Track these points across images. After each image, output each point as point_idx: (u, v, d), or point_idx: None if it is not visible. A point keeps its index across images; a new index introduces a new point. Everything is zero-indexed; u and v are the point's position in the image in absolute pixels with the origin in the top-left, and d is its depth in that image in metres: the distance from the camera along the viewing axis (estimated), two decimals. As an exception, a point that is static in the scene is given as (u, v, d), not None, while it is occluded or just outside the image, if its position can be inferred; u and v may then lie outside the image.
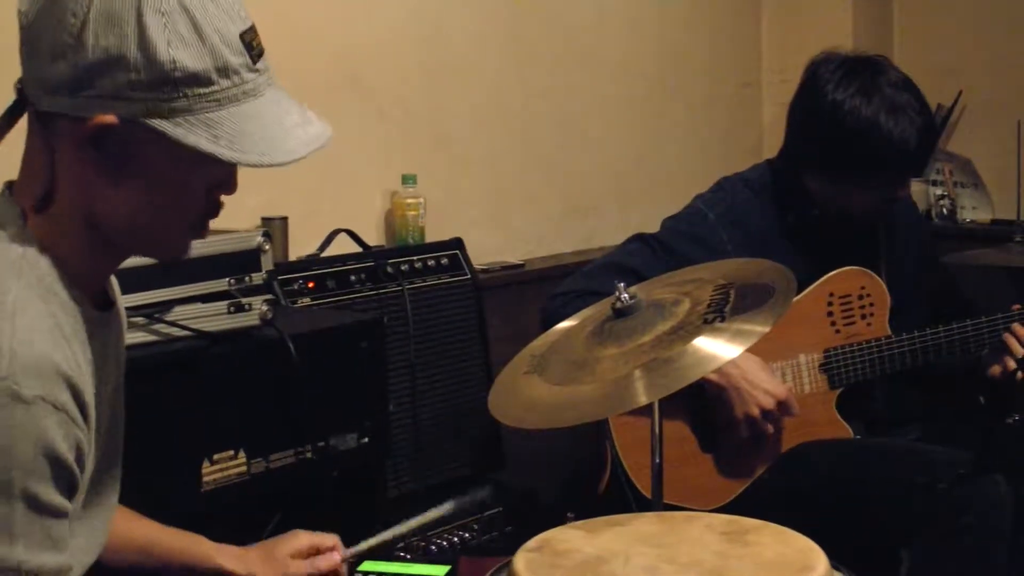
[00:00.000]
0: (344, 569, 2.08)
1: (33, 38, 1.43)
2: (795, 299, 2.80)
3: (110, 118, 1.40)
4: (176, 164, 1.44)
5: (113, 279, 1.66)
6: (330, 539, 2.07)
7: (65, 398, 1.38)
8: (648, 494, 2.38)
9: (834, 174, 2.86)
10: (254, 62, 1.45)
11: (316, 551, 2.05)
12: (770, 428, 2.79)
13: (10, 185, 1.51)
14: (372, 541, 2.13)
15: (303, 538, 2.05)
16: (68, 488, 1.40)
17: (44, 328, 1.40)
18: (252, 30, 1.46)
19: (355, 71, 3.58)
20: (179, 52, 1.39)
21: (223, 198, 1.53)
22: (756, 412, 2.75)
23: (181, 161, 1.43)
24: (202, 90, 1.41)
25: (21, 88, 1.47)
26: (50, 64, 1.41)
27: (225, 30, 1.43)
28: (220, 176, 1.49)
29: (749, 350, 2.10)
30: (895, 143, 2.78)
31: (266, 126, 1.45)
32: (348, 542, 2.11)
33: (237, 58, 1.43)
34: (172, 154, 1.42)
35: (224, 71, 1.42)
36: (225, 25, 1.43)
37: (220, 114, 1.42)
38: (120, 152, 1.43)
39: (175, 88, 1.40)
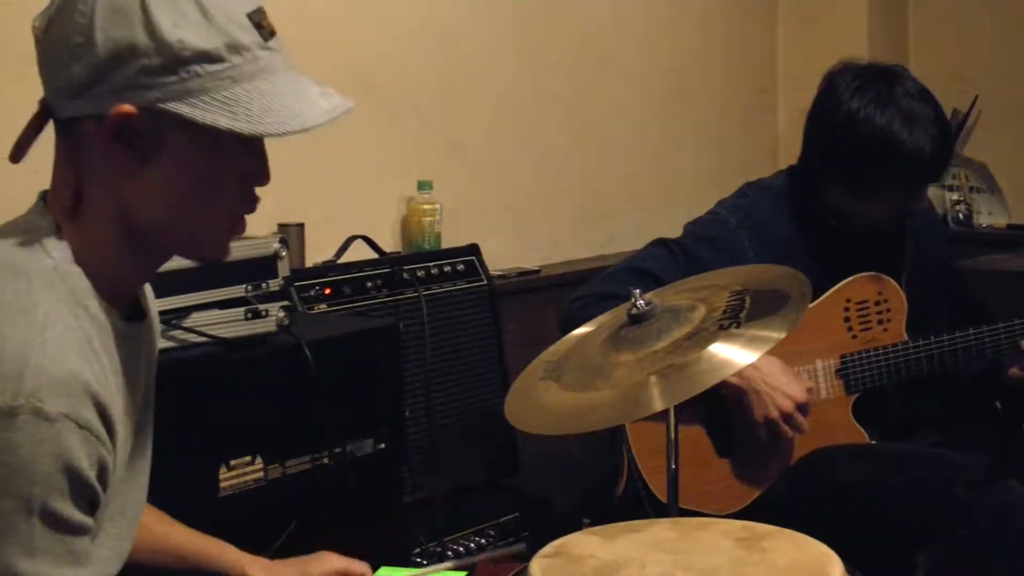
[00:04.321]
0: None
1: (48, 48, 1.45)
2: (813, 305, 2.83)
3: (129, 108, 1.40)
4: (204, 152, 1.44)
5: (149, 290, 1.67)
6: (360, 566, 2.06)
7: (90, 415, 1.38)
8: (664, 498, 2.38)
9: (849, 182, 2.86)
10: (265, 40, 1.45)
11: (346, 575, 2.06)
12: (788, 431, 2.78)
13: (44, 195, 1.52)
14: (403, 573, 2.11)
15: (335, 561, 2.05)
16: (89, 505, 1.40)
17: (73, 342, 1.40)
18: (260, 11, 1.46)
19: (370, 78, 3.59)
20: (185, 32, 1.40)
21: (259, 192, 1.53)
22: (776, 415, 2.74)
23: (209, 149, 1.44)
24: (213, 68, 1.41)
25: (44, 100, 1.48)
26: (67, 68, 1.42)
27: (231, 9, 1.43)
28: (250, 166, 1.49)
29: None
30: (908, 153, 2.77)
31: (286, 99, 1.44)
32: (366, 551, 2.11)
33: (247, 36, 1.43)
34: (199, 141, 1.43)
35: (235, 48, 1.42)
36: (231, 4, 1.43)
37: (236, 91, 1.42)
38: (146, 144, 1.43)
39: (186, 68, 1.40)
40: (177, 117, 1.41)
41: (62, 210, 1.48)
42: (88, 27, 1.40)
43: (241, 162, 1.48)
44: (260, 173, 1.51)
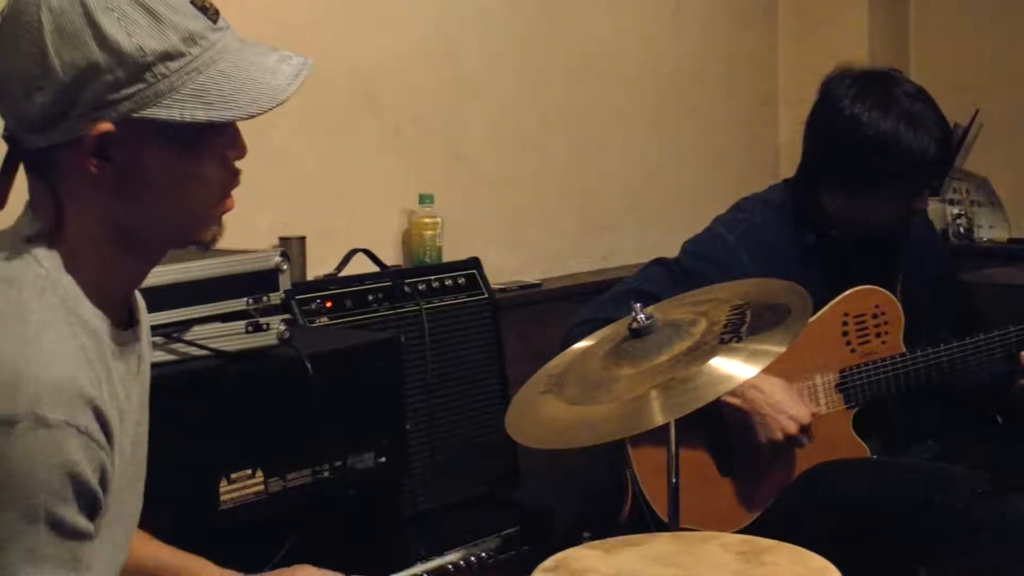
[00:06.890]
0: None
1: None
2: (811, 320, 2.82)
3: (106, 125, 1.41)
4: (187, 148, 1.45)
5: (140, 298, 1.67)
6: None
7: (88, 421, 1.38)
8: (667, 518, 2.38)
9: (854, 188, 2.86)
10: (214, 22, 1.46)
11: None
12: (793, 452, 2.79)
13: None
14: None
15: (312, 573, 2.04)
16: (91, 511, 1.41)
17: (68, 350, 1.40)
18: None
19: (372, 90, 3.59)
20: (141, 38, 1.40)
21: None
22: (780, 437, 2.74)
23: (190, 143, 1.45)
24: (176, 64, 1.41)
25: (8, 136, 1.47)
26: (27, 101, 1.41)
27: (175, 1, 1.43)
28: (227, 145, 1.50)
29: (765, 372, 2.10)
30: (915, 154, 2.78)
31: (252, 75, 1.45)
32: (367, 564, 2.10)
33: (197, 23, 1.44)
34: (180, 139, 1.44)
35: (190, 39, 1.42)
36: None
37: (203, 81, 1.43)
38: (128, 156, 1.43)
39: (152, 72, 1.40)
40: (153, 122, 1.41)
41: (47, 224, 1.47)
42: (41, 55, 1.39)
43: (219, 144, 1.49)
44: (235, 145, 1.52)
